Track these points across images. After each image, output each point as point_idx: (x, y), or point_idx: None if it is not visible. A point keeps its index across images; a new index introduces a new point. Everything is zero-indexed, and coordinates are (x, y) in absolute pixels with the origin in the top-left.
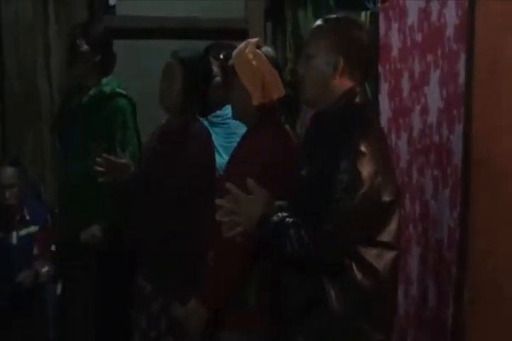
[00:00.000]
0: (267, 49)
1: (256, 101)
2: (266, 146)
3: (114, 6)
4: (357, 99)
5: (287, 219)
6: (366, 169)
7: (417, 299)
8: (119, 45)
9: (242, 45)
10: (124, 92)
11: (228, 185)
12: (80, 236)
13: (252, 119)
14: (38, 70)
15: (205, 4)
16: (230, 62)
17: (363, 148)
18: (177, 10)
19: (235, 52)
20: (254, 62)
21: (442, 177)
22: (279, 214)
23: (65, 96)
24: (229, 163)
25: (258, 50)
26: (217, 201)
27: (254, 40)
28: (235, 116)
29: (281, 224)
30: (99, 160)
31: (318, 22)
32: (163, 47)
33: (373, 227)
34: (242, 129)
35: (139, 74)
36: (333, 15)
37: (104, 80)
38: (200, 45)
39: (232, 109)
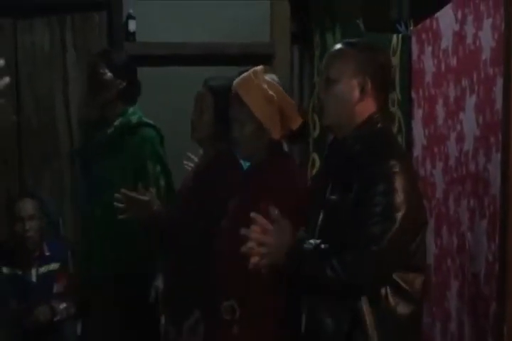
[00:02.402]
0: (273, 76)
1: (276, 134)
2: (284, 177)
3: (133, 32)
4: (379, 125)
5: (323, 246)
6: (402, 190)
7: (455, 336)
8: (139, 73)
9: (247, 74)
10: (151, 122)
11: (254, 215)
12: (101, 275)
13: (262, 152)
14: (56, 102)
15: (229, 29)
16: (233, 94)
17: (396, 169)
18: (200, 35)
19: (240, 84)
20: (270, 93)
21: (479, 207)
22: (311, 241)
23: (89, 128)
24: (241, 196)
25: (269, 79)
26: (244, 231)
27: (261, 67)
28: (243, 153)
29: (316, 252)
30: (117, 196)
31: (339, 46)
32: (188, 74)
33: (410, 250)
34: None
35: (161, 101)
36: (352, 40)
37: (130, 109)
38: (226, 71)
39: (241, 145)
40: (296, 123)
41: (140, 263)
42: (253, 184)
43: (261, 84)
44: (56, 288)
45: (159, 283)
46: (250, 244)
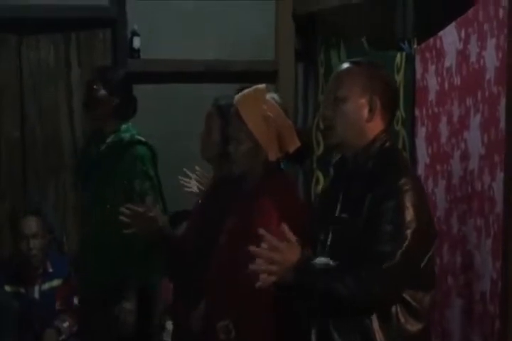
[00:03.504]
0: (274, 95)
1: (273, 156)
2: (285, 198)
3: (138, 49)
4: (387, 144)
5: (334, 264)
6: (413, 207)
7: None
8: (144, 90)
9: (248, 92)
10: (143, 140)
11: (262, 232)
12: (100, 289)
13: (258, 171)
14: (60, 118)
15: (234, 46)
16: (233, 111)
17: (406, 187)
18: (204, 52)
19: (241, 101)
20: (269, 114)
21: (485, 226)
22: (321, 259)
23: (86, 142)
24: (237, 221)
25: (269, 99)
26: (252, 249)
27: (263, 86)
28: (239, 170)
29: (328, 269)
30: (123, 210)
31: (346, 65)
32: (192, 91)
33: (420, 269)
34: None
35: (165, 119)
36: (358, 59)
37: (123, 127)
38: (230, 88)
39: (237, 162)
40: (293, 145)
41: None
42: (249, 203)
43: (261, 105)
44: (58, 304)
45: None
46: (259, 261)
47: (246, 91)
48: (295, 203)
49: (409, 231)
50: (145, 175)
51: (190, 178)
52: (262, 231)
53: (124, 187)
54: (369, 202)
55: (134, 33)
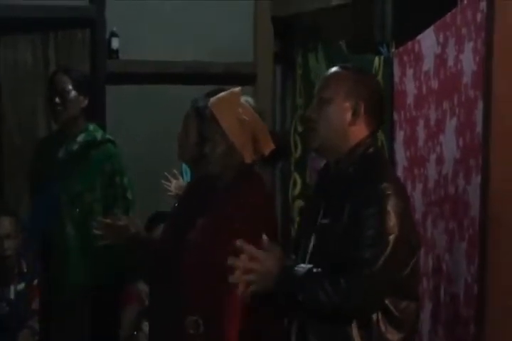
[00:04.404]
0: (248, 99)
1: (248, 158)
2: (259, 200)
3: (117, 50)
4: (371, 149)
5: (315, 270)
6: (395, 213)
7: None
8: (122, 91)
9: (223, 95)
10: (112, 138)
11: (240, 242)
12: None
13: (232, 173)
14: (38, 119)
15: (212, 48)
16: (209, 114)
17: (388, 192)
18: (183, 54)
19: (216, 104)
20: (244, 117)
21: (458, 229)
22: (302, 266)
23: (46, 142)
24: (209, 218)
25: (244, 102)
26: (231, 260)
27: (237, 89)
28: (213, 171)
29: (308, 276)
30: (94, 223)
31: (335, 68)
32: (171, 92)
33: (402, 276)
34: None
35: (144, 120)
36: (347, 65)
37: (91, 126)
38: (207, 90)
39: (212, 163)
40: (268, 148)
41: (112, 277)
42: (222, 203)
43: (236, 108)
44: (33, 304)
45: None
46: (238, 272)
47: (221, 94)
48: (268, 205)
49: (390, 238)
50: (123, 172)
51: (171, 182)
52: (239, 242)
53: (103, 184)
54: (350, 208)
55: (113, 34)
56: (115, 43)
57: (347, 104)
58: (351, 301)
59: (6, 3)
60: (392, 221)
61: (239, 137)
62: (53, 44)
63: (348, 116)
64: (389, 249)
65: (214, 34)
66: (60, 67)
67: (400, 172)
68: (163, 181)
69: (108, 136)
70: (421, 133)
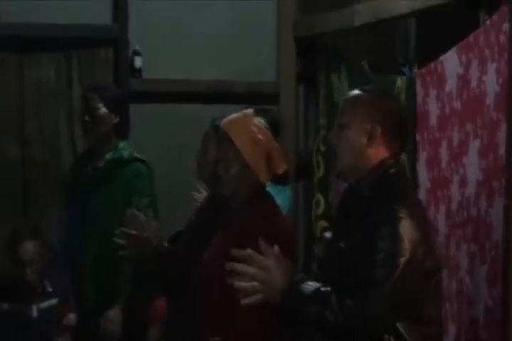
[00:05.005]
0: (261, 120)
1: (264, 178)
2: (274, 219)
3: (139, 69)
4: (392, 170)
5: (323, 289)
6: (408, 235)
7: None
8: (145, 109)
9: (236, 115)
10: (141, 157)
11: (249, 251)
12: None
13: (246, 193)
14: (61, 137)
15: (235, 67)
16: (222, 134)
17: (402, 214)
18: (205, 73)
19: (230, 124)
20: (259, 137)
21: (480, 252)
22: (310, 283)
23: (79, 160)
24: (224, 238)
25: (259, 123)
26: (238, 266)
27: (250, 110)
28: (226, 192)
29: (317, 294)
30: (117, 232)
31: (354, 92)
32: (193, 112)
33: (415, 301)
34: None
35: (166, 138)
36: (368, 87)
37: (121, 144)
38: (231, 109)
39: (226, 184)
40: (281, 168)
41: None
42: (236, 224)
43: (250, 127)
44: (57, 323)
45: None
46: (238, 278)
47: (233, 115)
48: (284, 225)
49: (401, 260)
50: (144, 192)
51: (201, 193)
52: (249, 250)
53: (124, 203)
54: (363, 229)
55: (136, 53)
56: (138, 62)
57: (363, 128)
58: (356, 322)
59: (29, 21)
60: (404, 244)
61: (253, 156)
62: (76, 63)
63: (364, 140)
64: (398, 271)
65: (237, 53)
66: (91, 85)
67: (422, 194)
68: (192, 193)
69: (136, 155)
70: (444, 154)
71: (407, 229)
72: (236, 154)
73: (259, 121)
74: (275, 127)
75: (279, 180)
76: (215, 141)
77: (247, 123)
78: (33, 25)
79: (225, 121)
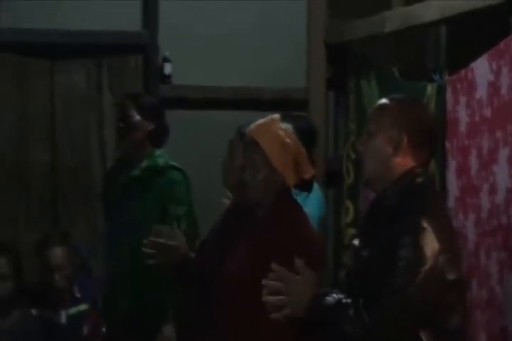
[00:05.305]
0: (288, 125)
1: (291, 182)
2: (301, 226)
3: (169, 75)
4: (419, 179)
5: (344, 301)
6: (429, 245)
7: None
8: (174, 116)
9: (263, 120)
10: (177, 165)
11: (274, 265)
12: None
13: (272, 199)
14: (91, 144)
15: (264, 74)
16: (249, 139)
17: (425, 224)
18: (235, 79)
19: (257, 129)
20: (287, 140)
21: (510, 260)
22: (334, 295)
23: (113, 168)
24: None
25: (286, 127)
26: (264, 282)
27: (277, 115)
28: (252, 198)
29: (338, 306)
30: (146, 241)
31: (382, 100)
32: (222, 118)
33: (437, 311)
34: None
35: (195, 144)
36: (398, 95)
37: (157, 152)
38: (260, 116)
39: (252, 190)
40: (309, 172)
41: (164, 307)
42: (261, 231)
43: (277, 131)
44: (85, 329)
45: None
46: (267, 291)
47: (260, 120)
48: (311, 231)
49: (421, 269)
50: (180, 201)
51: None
52: (273, 265)
53: (159, 212)
54: (387, 237)
55: (165, 59)
56: (167, 68)
57: (389, 137)
58: (375, 333)
59: (60, 28)
60: (425, 253)
61: (281, 160)
62: (106, 69)
63: (390, 148)
64: (419, 279)
65: (266, 60)
66: (126, 92)
67: (451, 202)
68: (224, 199)
69: (172, 163)
70: (473, 162)
71: (429, 238)
72: (263, 159)
73: (287, 126)
74: (309, 134)
75: (304, 186)
76: (241, 147)
77: (273, 128)
78: (64, 32)
79: (251, 126)
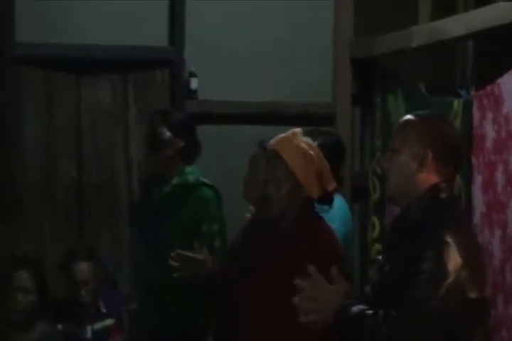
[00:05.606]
0: (309, 139)
1: (315, 193)
2: (325, 237)
3: (195, 90)
4: (443, 195)
5: (367, 312)
6: (451, 260)
7: None
8: (200, 131)
9: (285, 135)
10: (208, 182)
11: (311, 268)
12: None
13: (295, 212)
14: (116, 159)
15: (290, 88)
16: (272, 153)
17: (448, 239)
18: (261, 94)
19: (279, 142)
20: (310, 152)
21: None
22: (360, 306)
23: (145, 185)
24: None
25: (309, 141)
26: (297, 282)
27: (299, 129)
28: (276, 212)
29: (360, 316)
30: (173, 254)
31: (406, 116)
32: (248, 133)
33: (457, 326)
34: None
35: (221, 159)
36: (422, 111)
37: (188, 169)
38: (286, 131)
39: (275, 204)
40: (332, 185)
41: (195, 323)
42: (285, 244)
43: (300, 144)
44: None
45: None
46: (301, 296)
47: (282, 134)
48: (336, 243)
49: (444, 283)
50: (212, 218)
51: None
52: (311, 268)
53: (190, 229)
54: (410, 252)
55: (191, 74)
56: (194, 83)
57: (414, 153)
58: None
59: (85, 43)
60: (447, 268)
61: (305, 173)
62: (132, 84)
63: (415, 164)
64: (440, 294)
65: (292, 74)
66: (158, 108)
67: (477, 218)
68: (247, 214)
69: (203, 180)
70: (500, 178)
71: (452, 253)
72: (286, 172)
73: (308, 140)
74: (336, 149)
75: (325, 200)
76: (264, 162)
77: (296, 141)
78: (90, 47)
79: (273, 140)
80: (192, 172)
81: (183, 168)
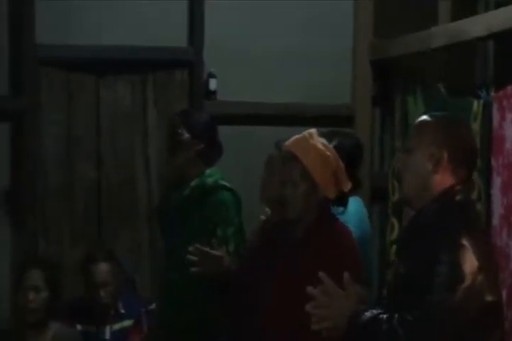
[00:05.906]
0: (324, 140)
1: (332, 194)
2: (342, 239)
3: (214, 91)
4: (458, 197)
5: (381, 316)
6: (467, 263)
7: None
8: (219, 132)
9: (301, 135)
10: (227, 185)
11: (322, 275)
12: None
13: (311, 213)
14: (135, 159)
15: (309, 89)
16: (287, 154)
17: (464, 242)
18: (279, 95)
19: (295, 143)
20: (327, 153)
21: None
22: (373, 311)
23: (167, 187)
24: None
25: (323, 141)
26: (310, 290)
27: (314, 130)
28: (292, 214)
29: (374, 321)
30: (191, 249)
31: (422, 117)
32: (266, 134)
33: (473, 330)
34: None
35: (240, 160)
36: (439, 113)
37: (208, 171)
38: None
39: (292, 205)
40: (347, 185)
41: (213, 323)
42: (303, 246)
43: (317, 144)
44: None
45: None
46: (313, 304)
47: (298, 135)
48: (354, 244)
49: (460, 286)
50: (229, 222)
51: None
52: (321, 274)
53: (208, 232)
54: (425, 254)
55: (211, 75)
56: (213, 84)
57: (429, 154)
58: None
59: (105, 44)
60: (463, 271)
61: (322, 173)
62: (152, 85)
63: (429, 165)
64: (455, 297)
65: (311, 75)
66: (179, 110)
67: (495, 220)
68: (262, 216)
69: (222, 182)
70: None
71: (467, 257)
72: (302, 173)
73: (324, 140)
74: (355, 150)
75: (340, 201)
76: (280, 163)
77: (312, 141)
78: (110, 48)
79: (289, 141)
80: (211, 175)
81: (204, 170)
